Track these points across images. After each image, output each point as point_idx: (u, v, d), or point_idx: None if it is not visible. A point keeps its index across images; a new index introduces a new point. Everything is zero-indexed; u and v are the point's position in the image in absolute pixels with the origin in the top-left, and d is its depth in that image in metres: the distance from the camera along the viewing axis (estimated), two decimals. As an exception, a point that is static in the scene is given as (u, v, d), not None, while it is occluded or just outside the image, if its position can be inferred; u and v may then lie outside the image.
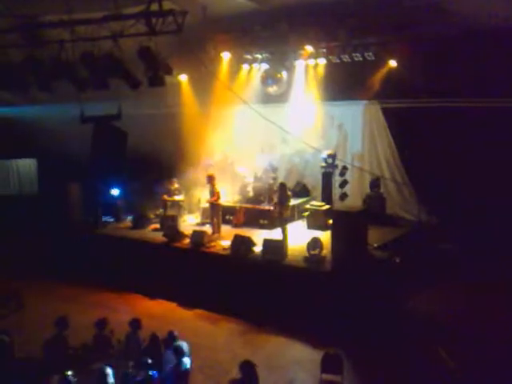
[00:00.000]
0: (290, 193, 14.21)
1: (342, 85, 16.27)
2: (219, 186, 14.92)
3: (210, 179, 14.79)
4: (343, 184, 15.63)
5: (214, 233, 14.66)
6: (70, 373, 7.26)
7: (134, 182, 16.54)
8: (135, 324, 9.06)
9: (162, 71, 10.88)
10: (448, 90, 14.30)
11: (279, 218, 13.67)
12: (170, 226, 15.04)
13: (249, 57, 17.27)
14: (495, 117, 13.69)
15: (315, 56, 16.22)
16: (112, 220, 16.80)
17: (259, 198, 16.13)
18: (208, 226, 15.31)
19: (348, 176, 15.80)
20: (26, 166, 19.32)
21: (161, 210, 16.66)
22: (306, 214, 15.41)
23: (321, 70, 16.49)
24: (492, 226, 13.66)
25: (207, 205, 15.42)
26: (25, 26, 11.27)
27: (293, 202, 15.09)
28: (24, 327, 11.15)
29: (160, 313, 12.87)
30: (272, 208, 14.68)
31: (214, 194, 14.73)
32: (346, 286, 11.21)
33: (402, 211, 16.12)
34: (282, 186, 13.92)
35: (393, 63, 15.27)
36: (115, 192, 16.92)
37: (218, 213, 14.91)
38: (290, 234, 13.60)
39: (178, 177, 16.83)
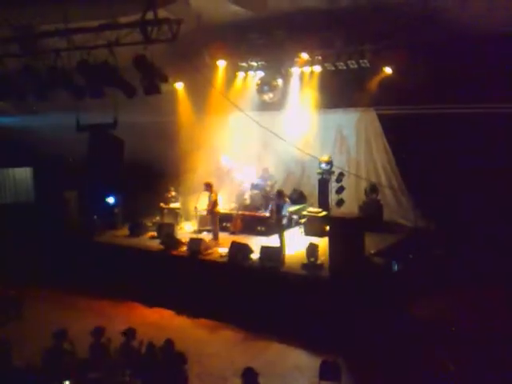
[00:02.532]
0: (287, 199, 14.22)
1: (337, 92, 16.30)
2: (217, 194, 14.96)
3: (208, 187, 14.82)
4: (340, 190, 15.65)
5: (213, 240, 14.69)
6: (67, 382, 7.24)
7: (131, 189, 16.55)
8: (129, 333, 8.99)
9: (157, 79, 10.91)
10: (444, 96, 14.36)
11: (276, 224, 13.68)
12: (166, 233, 15.02)
13: (244, 64, 17.31)
14: (491, 122, 13.75)
15: (311, 63, 16.25)
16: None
17: (256, 205, 16.16)
18: (205, 233, 15.35)
19: (345, 182, 15.82)
20: (23, 174, 19.30)
21: (157, 218, 16.67)
22: (303, 220, 15.43)
23: (316, 77, 16.54)
24: (489, 231, 13.67)
25: (204, 212, 15.44)
26: (21, 35, 11.30)
27: (290, 208, 15.09)
28: (22, 335, 11.09)
29: (157, 321, 12.85)
30: (268, 215, 14.69)
31: (212, 201, 14.77)
32: (344, 293, 11.21)
33: (398, 217, 16.12)
34: (279, 193, 13.93)
35: (388, 70, 15.34)
36: (112, 200, 16.93)
37: (216, 220, 14.93)
38: (288, 241, 13.63)
39: (175, 184, 16.84)
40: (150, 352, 8.58)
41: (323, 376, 8.92)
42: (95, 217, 16.58)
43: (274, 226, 13.90)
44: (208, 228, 15.62)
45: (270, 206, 15.26)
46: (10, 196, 19.11)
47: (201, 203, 15.50)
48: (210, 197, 14.82)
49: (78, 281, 14.71)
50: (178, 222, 16.53)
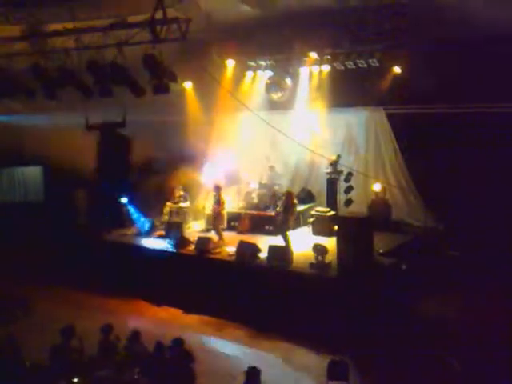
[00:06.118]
0: (296, 201, 14.21)
1: (346, 91, 16.27)
2: (224, 194, 15.00)
3: (217, 189, 14.87)
4: (348, 190, 15.61)
5: (220, 240, 14.74)
6: (76, 379, 7.26)
7: (139, 188, 16.59)
8: (133, 336, 8.95)
9: (166, 78, 10.94)
10: (453, 95, 14.29)
11: (281, 224, 13.66)
12: (175, 232, 15.05)
13: (253, 64, 17.31)
14: (501, 122, 13.68)
15: (319, 63, 16.23)
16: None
17: (264, 204, 16.16)
18: (213, 232, 15.38)
19: (353, 182, 15.78)
20: (32, 173, 19.40)
21: (166, 217, 16.69)
22: (312, 220, 15.41)
23: (325, 76, 16.51)
24: (498, 232, 13.61)
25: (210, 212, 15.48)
26: (31, 34, 11.36)
27: (298, 208, 15.09)
28: (31, 333, 11.15)
29: (165, 319, 12.89)
30: (274, 214, 14.68)
31: (219, 202, 14.80)
32: (352, 293, 11.19)
33: (407, 217, 16.06)
34: (289, 194, 13.93)
35: (397, 69, 15.30)
36: (121, 198, 16.96)
37: (219, 221, 15.00)
38: (295, 240, 13.65)
39: (183, 183, 16.86)
40: (159, 350, 8.59)
41: (331, 376, 8.89)
42: (105, 216, 16.59)
43: (279, 225, 13.87)
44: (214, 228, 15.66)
45: (277, 205, 15.32)
46: (20, 195, 19.21)
47: (209, 202, 15.53)
48: (216, 198, 14.86)
49: (87, 279, 14.75)
50: (186, 221, 16.53)
